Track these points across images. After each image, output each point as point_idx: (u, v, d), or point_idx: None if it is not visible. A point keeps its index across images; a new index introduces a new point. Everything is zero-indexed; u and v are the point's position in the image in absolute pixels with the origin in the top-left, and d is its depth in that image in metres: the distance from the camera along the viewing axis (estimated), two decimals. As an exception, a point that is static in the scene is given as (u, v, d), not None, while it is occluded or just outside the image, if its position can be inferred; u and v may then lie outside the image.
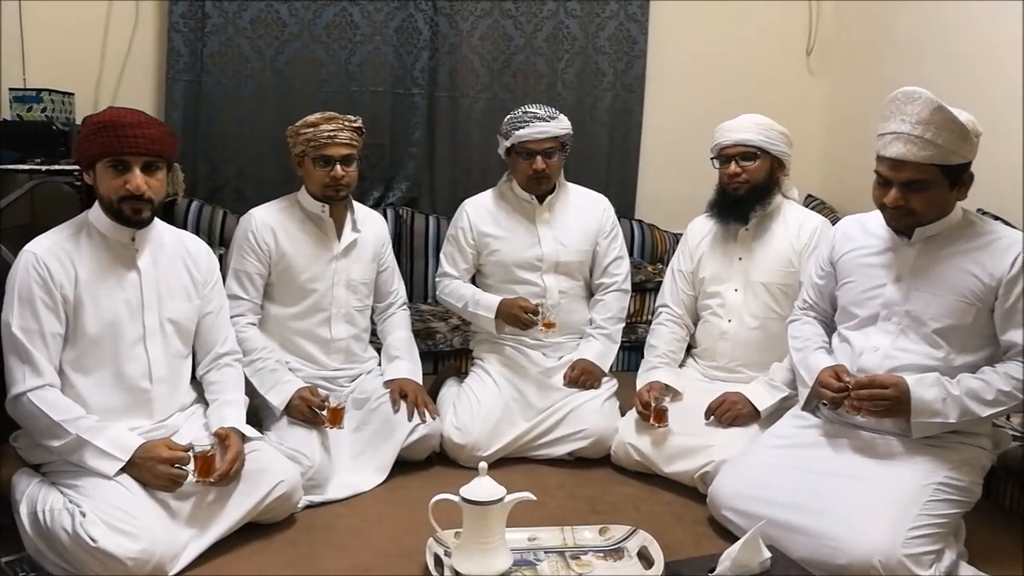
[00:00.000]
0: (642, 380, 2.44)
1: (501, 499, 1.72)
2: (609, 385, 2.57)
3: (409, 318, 2.62)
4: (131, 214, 1.86)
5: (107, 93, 3.30)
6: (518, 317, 2.47)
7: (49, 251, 1.85)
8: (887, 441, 1.89)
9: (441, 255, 2.68)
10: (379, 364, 2.53)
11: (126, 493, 1.73)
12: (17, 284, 1.82)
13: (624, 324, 2.67)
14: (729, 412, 2.28)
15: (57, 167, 2.66)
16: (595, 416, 2.43)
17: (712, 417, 2.30)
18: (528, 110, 2.50)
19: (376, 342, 2.58)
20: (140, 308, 1.92)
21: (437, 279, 2.68)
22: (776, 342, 2.30)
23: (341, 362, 2.44)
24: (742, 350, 2.41)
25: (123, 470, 1.76)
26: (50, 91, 2.92)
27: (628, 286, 2.68)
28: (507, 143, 2.52)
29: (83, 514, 1.66)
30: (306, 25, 3.40)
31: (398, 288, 2.60)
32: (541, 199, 2.58)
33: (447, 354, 3.13)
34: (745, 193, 2.38)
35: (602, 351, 2.58)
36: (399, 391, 2.36)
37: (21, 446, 1.87)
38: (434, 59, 3.52)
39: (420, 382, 2.45)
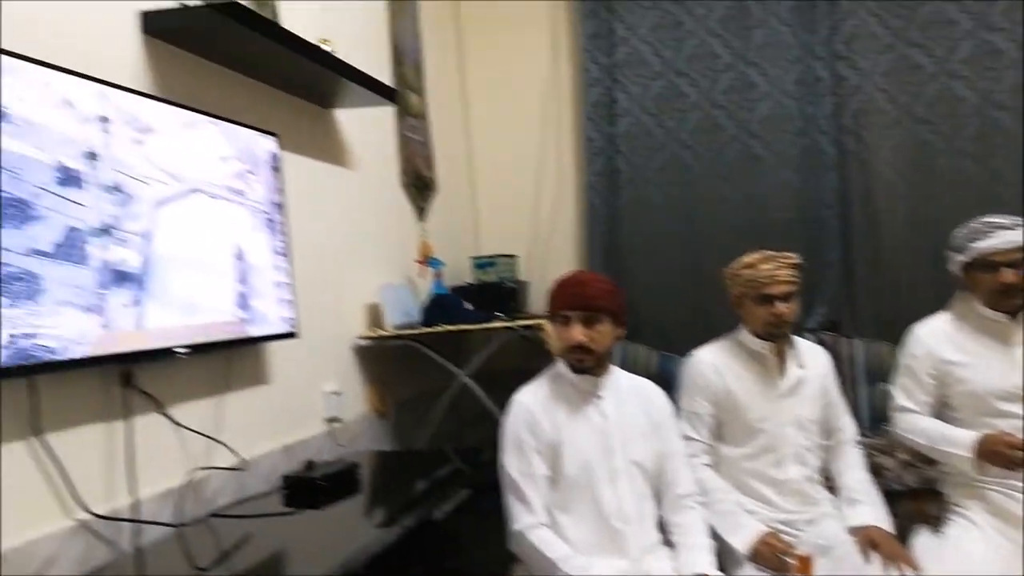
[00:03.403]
0: None
1: None
2: None
3: (862, 456, 2.42)
4: (575, 363, 2.06)
5: (538, 254, 3.78)
6: (1003, 455, 2.13)
7: (535, 399, 2.10)
8: None
9: (895, 387, 2.46)
10: (833, 506, 2.35)
11: None
12: (511, 430, 2.09)
13: None
14: None
15: (516, 322, 3.05)
16: None
17: None
18: (988, 220, 2.27)
19: (826, 482, 2.41)
20: (608, 451, 2.06)
21: (894, 413, 2.45)
22: None
23: (796, 504, 2.32)
24: None
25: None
26: (501, 256, 3.44)
27: None
28: (962, 258, 2.29)
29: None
30: (711, 167, 3.55)
31: (845, 423, 2.44)
32: (1012, 315, 2.26)
33: (899, 495, 2.80)
34: None
35: None
36: (868, 540, 2.15)
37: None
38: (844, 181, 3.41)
39: (889, 529, 2.22)
